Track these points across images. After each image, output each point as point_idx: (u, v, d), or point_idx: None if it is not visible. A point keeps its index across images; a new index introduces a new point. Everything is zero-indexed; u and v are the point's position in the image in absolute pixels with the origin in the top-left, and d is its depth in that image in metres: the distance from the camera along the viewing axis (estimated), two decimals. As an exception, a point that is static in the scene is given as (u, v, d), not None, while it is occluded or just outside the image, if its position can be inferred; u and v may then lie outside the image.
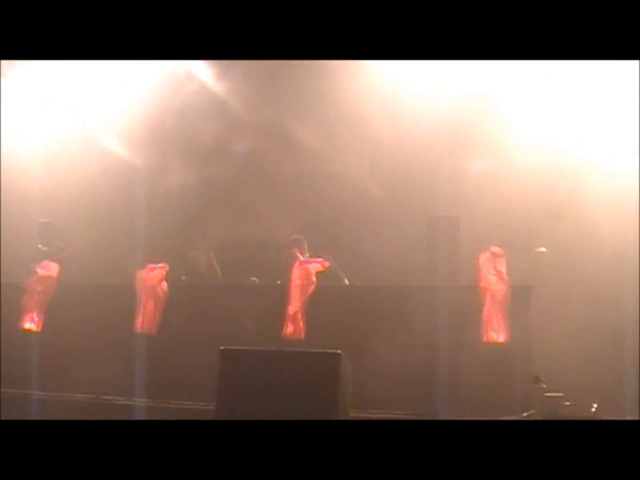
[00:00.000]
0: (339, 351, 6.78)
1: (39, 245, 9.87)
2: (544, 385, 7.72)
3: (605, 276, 8.83)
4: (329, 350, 6.81)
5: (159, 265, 9.14)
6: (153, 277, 9.06)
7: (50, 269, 9.34)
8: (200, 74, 10.81)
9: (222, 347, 6.87)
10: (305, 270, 8.85)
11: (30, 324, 9.13)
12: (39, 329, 9.14)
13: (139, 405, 7.82)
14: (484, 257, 8.43)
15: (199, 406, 7.54)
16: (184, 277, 9.70)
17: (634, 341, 8.03)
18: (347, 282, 9.47)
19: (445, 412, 7.67)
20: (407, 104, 10.05)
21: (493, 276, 8.33)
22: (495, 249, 8.47)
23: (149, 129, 10.77)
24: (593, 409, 7.50)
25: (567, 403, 7.54)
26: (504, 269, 8.38)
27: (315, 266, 8.91)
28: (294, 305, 8.62)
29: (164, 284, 9.03)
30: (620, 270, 8.69)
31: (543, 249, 9.44)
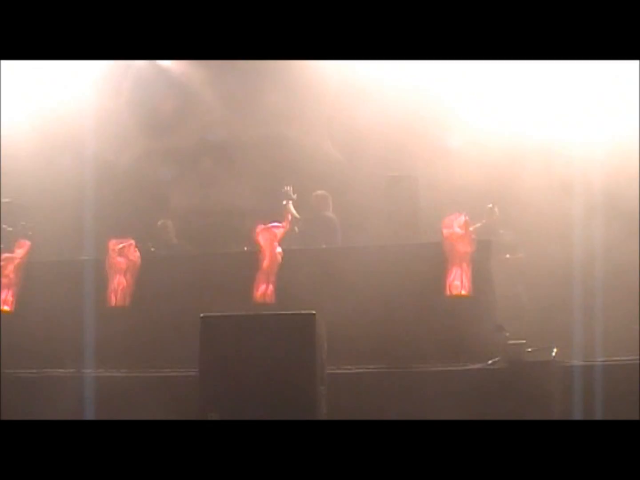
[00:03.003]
0: (314, 312, 7.01)
1: (4, 226, 9.86)
2: (507, 334, 8.10)
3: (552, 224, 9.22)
4: (303, 312, 7.04)
5: (126, 238, 9.29)
6: (121, 250, 9.21)
7: (18, 249, 9.41)
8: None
9: (201, 315, 7.04)
10: (270, 235, 9.11)
11: (3, 305, 9.20)
12: (12, 309, 9.22)
13: (122, 376, 7.96)
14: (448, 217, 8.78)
15: (182, 373, 7.72)
16: (152, 249, 9.83)
17: (583, 284, 8.31)
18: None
19: (414, 364, 8.01)
20: (365, 67, 10.21)
21: (456, 232, 8.65)
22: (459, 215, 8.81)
23: (105, 105, 10.76)
24: (553, 354, 7.92)
25: (529, 349, 7.93)
26: (466, 225, 8.72)
27: (279, 231, 9.17)
28: (263, 270, 8.89)
29: (135, 256, 9.19)
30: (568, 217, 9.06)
31: (491, 205, 9.71)
